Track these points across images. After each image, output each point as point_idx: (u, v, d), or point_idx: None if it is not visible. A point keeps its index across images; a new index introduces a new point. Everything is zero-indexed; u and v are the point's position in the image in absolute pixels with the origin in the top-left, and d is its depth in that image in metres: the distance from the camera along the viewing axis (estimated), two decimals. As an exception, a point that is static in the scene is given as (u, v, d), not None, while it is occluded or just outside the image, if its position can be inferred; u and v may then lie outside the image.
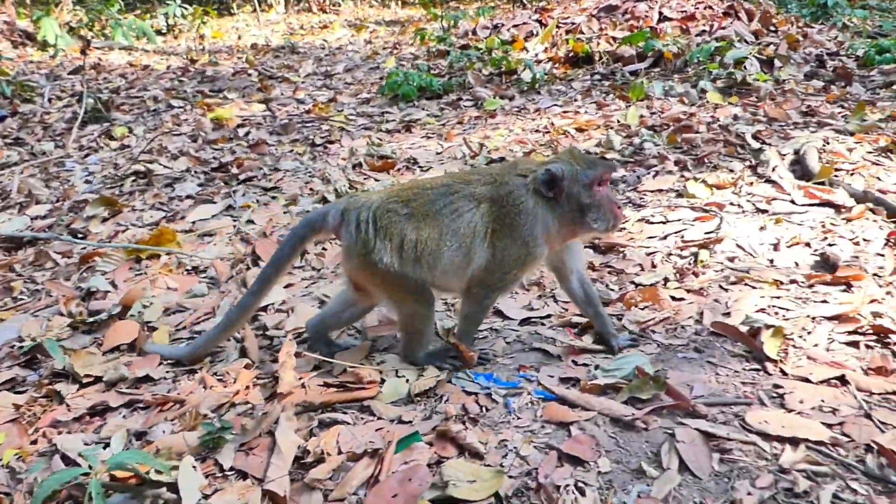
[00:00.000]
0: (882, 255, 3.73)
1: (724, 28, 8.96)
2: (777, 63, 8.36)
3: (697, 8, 9.54)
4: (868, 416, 2.53)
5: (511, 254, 2.81)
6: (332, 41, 14.57)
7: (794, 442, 2.42)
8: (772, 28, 9.53)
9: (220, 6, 21.12)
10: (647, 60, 8.64)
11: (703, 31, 9.13)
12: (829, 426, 2.50)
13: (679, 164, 5.40)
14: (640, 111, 6.93)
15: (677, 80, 8.08)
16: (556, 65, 9.22)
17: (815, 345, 3.01)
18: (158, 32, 15.39)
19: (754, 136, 5.82)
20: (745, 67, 7.89)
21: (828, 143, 5.47)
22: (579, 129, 6.51)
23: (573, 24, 9.89)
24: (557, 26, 9.96)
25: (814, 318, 3.20)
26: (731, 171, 5.15)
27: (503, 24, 10.86)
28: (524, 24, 10.56)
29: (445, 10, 16.03)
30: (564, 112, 7.31)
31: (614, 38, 9.25)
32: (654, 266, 3.89)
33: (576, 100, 7.78)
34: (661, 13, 9.50)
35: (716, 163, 5.34)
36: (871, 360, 2.86)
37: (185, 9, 15.63)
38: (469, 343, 3.01)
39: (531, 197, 2.81)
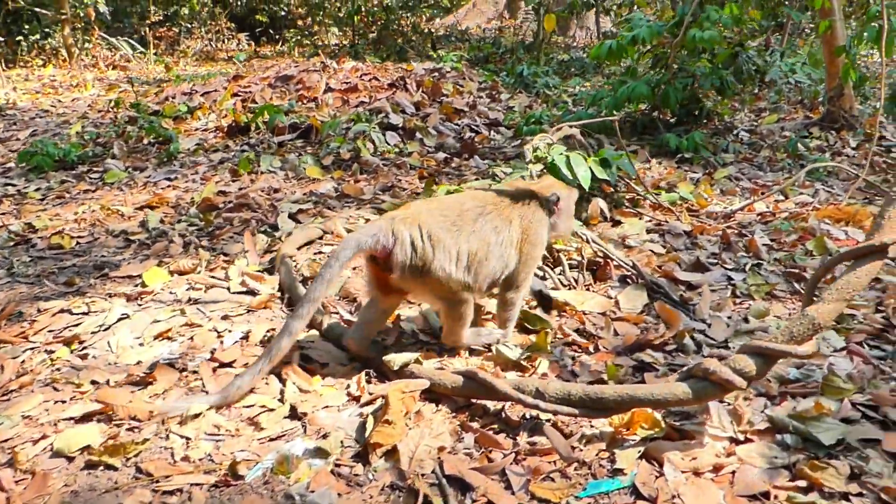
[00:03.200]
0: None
1: (378, 100, 9.19)
2: (418, 135, 8.63)
3: (363, 79, 9.78)
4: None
5: (533, 256, 3.66)
6: (67, 101, 14.08)
7: None
8: (440, 99, 9.86)
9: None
10: (297, 132, 8.73)
11: (363, 101, 9.33)
12: None
13: (190, 245, 5.37)
14: (230, 187, 6.93)
15: (310, 151, 8.19)
16: (220, 134, 9.19)
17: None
18: None
19: (291, 216, 5.89)
20: (372, 140, 8.08)
21: (350, 220, 5.61)
22: (147, 207, 6.41)
23: (249, 92, 9.93)
24: (235, 94, 9.97)
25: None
26: (226, 254, 5.16)
27: (197, 91, 10.79)
28: (214, 91, 10.52)
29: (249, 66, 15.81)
30: (167, 186, 7.23)
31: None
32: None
33: (196, 173, 7.72)
34: (327, 84, 9.66)
35: (220, 246, 5.33)
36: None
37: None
38: (509, 334, 3.80)
39: (545, 213, 3.72)
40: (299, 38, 22.28)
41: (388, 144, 8.15)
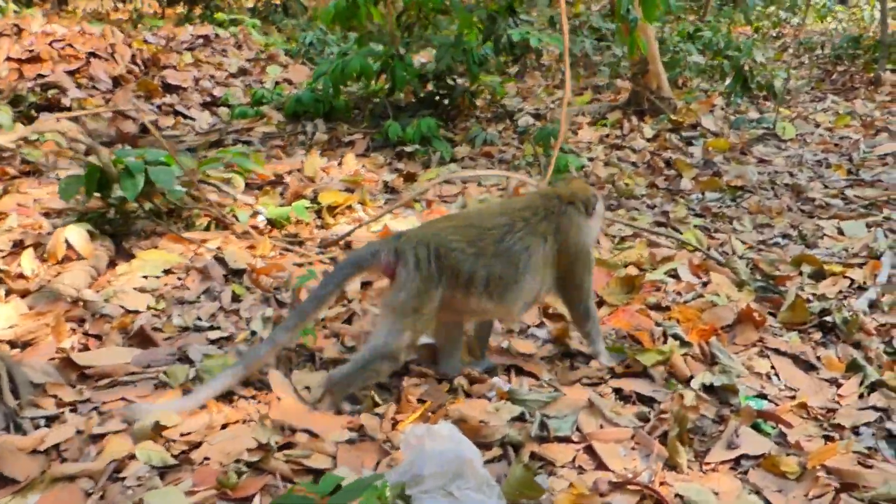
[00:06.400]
0: None
1: (54, 74, 7.56)
2: (85, 118, 7.03)
3: (53, 47, 8.09)
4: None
5: (584, 263, 3.29)
6: None
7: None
8: (165, 66, 8.29)
9: None
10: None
11: (42, 75, 7.69)
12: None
13: None
14: None
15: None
16: None
17: None
18: None
19: None
20: None
21: None
22: None
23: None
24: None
25: None
26: None
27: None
28: None
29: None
30: None
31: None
32: None
33: None
34: (7, 54, 7.99)
35: None
36: None
37: None
38: (600, 343, 3.37)
39: (582, 217, 3.29)
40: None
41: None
